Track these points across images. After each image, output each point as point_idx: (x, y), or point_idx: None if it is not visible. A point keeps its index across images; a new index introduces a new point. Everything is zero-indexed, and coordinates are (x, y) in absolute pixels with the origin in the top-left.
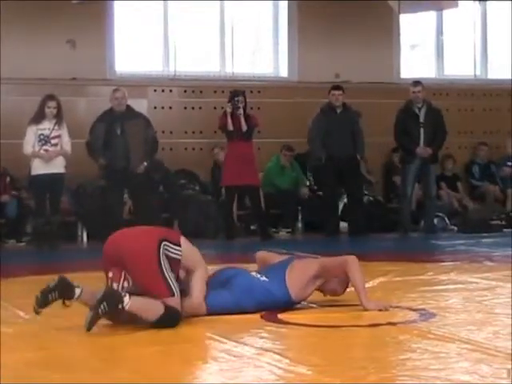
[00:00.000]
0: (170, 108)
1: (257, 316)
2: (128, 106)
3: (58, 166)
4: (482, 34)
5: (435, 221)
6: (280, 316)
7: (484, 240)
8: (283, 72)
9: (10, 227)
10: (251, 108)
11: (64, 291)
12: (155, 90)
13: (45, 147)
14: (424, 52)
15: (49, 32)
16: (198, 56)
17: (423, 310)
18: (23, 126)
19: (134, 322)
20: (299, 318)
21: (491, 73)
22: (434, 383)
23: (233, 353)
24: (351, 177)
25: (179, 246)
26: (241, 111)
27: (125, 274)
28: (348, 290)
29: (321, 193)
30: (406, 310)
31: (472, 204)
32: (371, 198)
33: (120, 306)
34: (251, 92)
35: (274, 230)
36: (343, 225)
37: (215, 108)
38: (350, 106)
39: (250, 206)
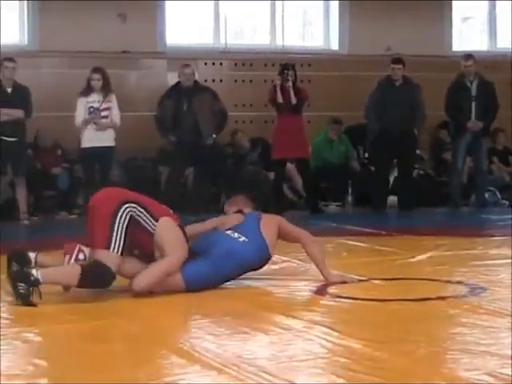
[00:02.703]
0: (221, 81)
1: (306, 289)
2: (195, 81)
3: (107, 140)
4: None
5: (486, 195)
6: (330, 290)
7: None
8: (334, 45)
9: (62, 199)
10: (301, 81)
11: (20, 260)
12: (206, 63)
13: (95, 120)
14: (476, 25)
15: (100, 5)
16: (249, 29)
17: (474, 284)
18: (74, 98)
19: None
20: (350, 291)
21: None
22: (485, 357)
23: (282, 326)
24: (405, 151)
25: (155, 220)
26: (290, 84)
27: (79, 247)
28: (399, 261)
29: (372, 167)
30: (456, 284)
31: None
32: (421, 172)
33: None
34: (301, 65)
35: (324, 203)
36: (393, 198)
37: (265, 81)
38: (410, 79)
39: (301, 179)
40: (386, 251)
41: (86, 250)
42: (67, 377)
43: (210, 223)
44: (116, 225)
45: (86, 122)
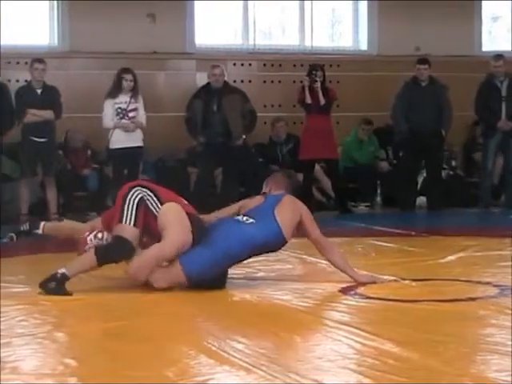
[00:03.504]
0: (250, 82)
1: (335, 290)
2: (225, 82)
3: (136, 140)
4: None
5: None
6: (359, 290)
7: None
8: (363, 45)
9: (92, 200)
10: (330, 82)
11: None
12: (234, 64)
13: (123, 121)
14: (506, 24)
15: (129, 6)
16: (277, 29)
17: (503, 285)
18: (103, 99)
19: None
20: (378, 292)
21: None
22: None
23: (311, 326)
24: (433, 151)
25: (161, 204)
26: (318, 85)
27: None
28: (429, 262)
29: (400, 167)
30: (485, 285)
31: None
32: (451, 172)
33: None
34: (330, 66)
35: (353, 204)
36: (422, 199)
37: (294, 82)
38: (436, 80)
39: (329, 180)
40: (415, 252)
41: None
42: (96, 376)
43: (232, 208)
44: (126, 203)
45: (116, 126)
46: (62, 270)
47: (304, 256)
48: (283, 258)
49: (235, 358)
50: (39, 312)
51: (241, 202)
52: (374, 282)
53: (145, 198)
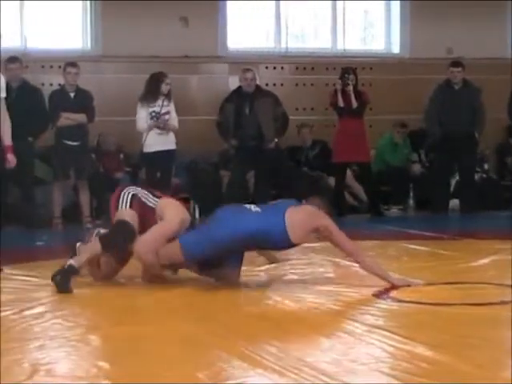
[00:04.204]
0: (282, 85)
1: (368, 293)
2: (257, 86)
3: (169, 143)
4: None
5: None
6: (391, 293)
7: None
8: (395, 48)
9: None
10: (362, 85)
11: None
12: (267, 67)
13: (161, 124)
14: None
15: (161, 9)
16: (310, 32)
17: None
18: (136, 103)
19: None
20: (411, 295)
21: None
22: None
23: (344, 329)
24: (466, 154)
25: (157, 197)
26: (350, 88)
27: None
28: (461, 265)
29: (433, 170)
30: None
31: None
32: (484, 175)
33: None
34: (363, 69)
35: (385, 206)
36: (455, 202)
37: (327, 85)
38: (470, 82)
39: (359, 184)
40: (447, 255)
41: None
42: (129, 378)
43: None
44: (121, 197)
45: (150, 127)
46: (69, 262)
47: (337, 259)
48: (316, 262)
49: (268, 361)
50: (72, 315)
51: None
52: (409, 286)
53: (138, 194)
